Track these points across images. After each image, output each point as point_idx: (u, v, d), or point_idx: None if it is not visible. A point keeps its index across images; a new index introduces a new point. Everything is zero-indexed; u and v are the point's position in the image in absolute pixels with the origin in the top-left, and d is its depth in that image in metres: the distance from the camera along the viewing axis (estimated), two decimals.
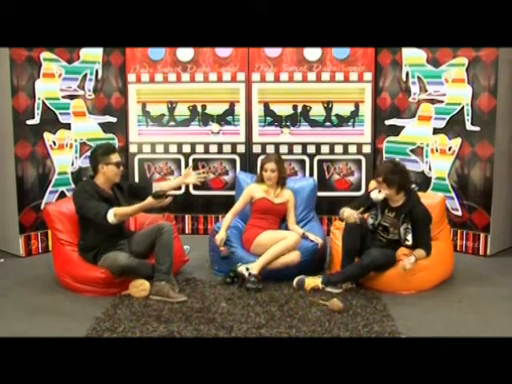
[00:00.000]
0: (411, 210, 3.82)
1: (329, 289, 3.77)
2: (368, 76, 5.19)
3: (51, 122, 4.77)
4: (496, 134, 4.57)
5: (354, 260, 3.88)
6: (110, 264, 3.69)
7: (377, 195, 3.87)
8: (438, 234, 4.13)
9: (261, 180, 4.33)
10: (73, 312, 3.51)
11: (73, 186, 4.91)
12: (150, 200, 3.61)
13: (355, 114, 5.24)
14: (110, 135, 5.23)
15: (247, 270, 3.88)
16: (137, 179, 5.37)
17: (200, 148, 5.35)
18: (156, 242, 3.77)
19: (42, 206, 4.63)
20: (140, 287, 3.69)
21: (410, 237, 3.84)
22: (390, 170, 3.81)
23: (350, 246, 3.84)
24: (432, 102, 4.89)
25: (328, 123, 5.27)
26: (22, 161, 4.60)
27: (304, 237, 4.16)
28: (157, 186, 4.00)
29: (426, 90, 4.92)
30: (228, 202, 4.79)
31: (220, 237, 4.11)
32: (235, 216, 4.34)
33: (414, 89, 4.98)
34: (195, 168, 4.07)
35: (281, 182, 4.32)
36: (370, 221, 3.97)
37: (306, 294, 3.72)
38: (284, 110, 5.27)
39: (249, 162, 5.28)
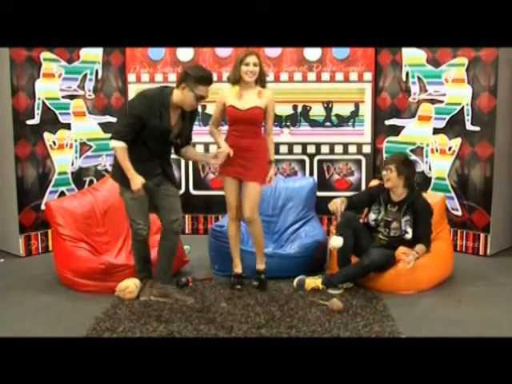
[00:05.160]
0: (413, 202, 3.87)
1: (329, 290, 3.77)
2: (368, 76, 5.19)
3: (51, 121, 4.77)
4: (496, 134, 4.57)
5: (350, 257, 3.89)
6: (131, 226, 3.62)
7: (338, 241, 3.78)
8: (438, 234, 4.13)
9: (235, 80, 3.75)
10: (73, 312, 3.52)
11: (73, 185, 4.92)
12: (137, 183, 3.41)
13: (355, 114, 5.24)
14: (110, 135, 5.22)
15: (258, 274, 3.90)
16: None
17: (200, 148, 5.33)
18: (162, 242, 3.66)
19: (42, 206, 4.63)
20: (126, 290, 3.67)
21: (410, 230, 3.86)
22: (403, 161, 3.93)
23: (344, 243, 3.81)
24: (432, 102, 4.89)
25: (328, 123, 5.27)
26: (22, 161, 4.60)
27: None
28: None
29: (426, 90, 4.92)
30: None
31: (223, 148, 3.72)
32: (218, 126, 3.91)
33: (414, 89, 4.98)
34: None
35: (260, 83, 3.75)
36: (373, 216, 3.98)
37: (306, 294, 3.72)
38: (284, 109, 5.27)
39: None
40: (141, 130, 3.43)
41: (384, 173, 3.93)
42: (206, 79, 3.41)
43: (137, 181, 3.44)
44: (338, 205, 3.89)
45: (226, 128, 3.98)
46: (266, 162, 3.81)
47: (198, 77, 3.38)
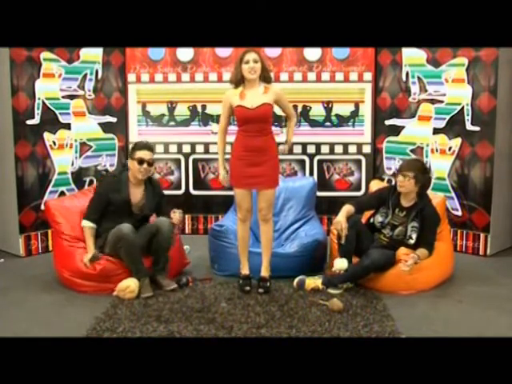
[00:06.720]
0: (422, 209, 3.85)
1: (330, 290, 3.77)
2: (368, 76, 5.19)
3: (51, 122, 4.77)
4: (496, 134, 4.57)
5: (352, 259, 3.88)
6: (113, 234, 3.77)
7: (342, 264, 3.81)
8: (438, 235, 4.12)
9: (237, 82, 3.72)
10: (73, 312, 3.51)
11: (73, 185, 4.93)
12: (89, 254, 3.80)
13: (355, 114, 5.24)
14: (110, 135, 5.23)
15: (260, 279, 3.85)
16: None
17: (200, 148, 5.35)
18: (154, 240, 3.86)
19: (42, 206, 4.63)
20: (127, 290, 3.67)
21: (414, 236, 3.86)
22: (422, 169, 3.88)
23: (346, 245, 3.83)
24: (432, 102, 4.89)
25: (328, 123, 5.27)
26: (22, 161, 4.60)
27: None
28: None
29: (426, 90, 4.92)
30: (228, 202, 4.80)
31: (222, 177, 3.85)
32: (226, 133, 3.86)
33: (414, 89, 4.99)
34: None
35: (265, 79, 3.73)
36: (380, 218, 3.97)
37: (306, 294, 3.72)
38: None
39: None
40: (107, 206, 3.87)
41: (400, 178, 3.86)
42: (138, 145, 3.96)
43: (87, 256, 3.81)
44: (343, 226, 3.77)
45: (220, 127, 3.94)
46: (276, 160, 3.84)
47: (132, 147, 4.00)
